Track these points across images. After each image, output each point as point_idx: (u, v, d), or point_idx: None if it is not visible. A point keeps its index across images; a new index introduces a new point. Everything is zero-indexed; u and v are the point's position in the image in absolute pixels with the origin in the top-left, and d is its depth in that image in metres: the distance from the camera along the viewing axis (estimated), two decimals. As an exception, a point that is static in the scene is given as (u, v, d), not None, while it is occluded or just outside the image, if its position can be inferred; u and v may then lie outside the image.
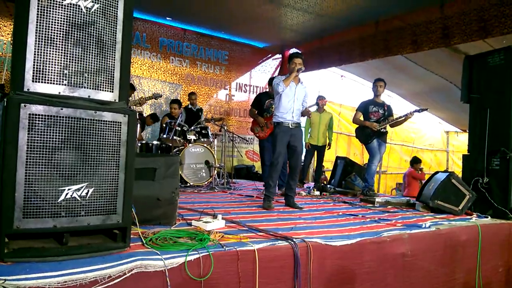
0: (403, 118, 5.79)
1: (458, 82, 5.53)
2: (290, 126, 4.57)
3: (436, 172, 5.05)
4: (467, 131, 5.23)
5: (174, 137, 6.15)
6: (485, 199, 4.51)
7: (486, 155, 4.63)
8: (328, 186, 6.57)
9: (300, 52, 5.06)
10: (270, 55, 10.20)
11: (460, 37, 6.03)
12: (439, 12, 6.27)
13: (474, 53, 5.08)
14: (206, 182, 6.18)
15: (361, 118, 6.00)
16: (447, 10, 6.17)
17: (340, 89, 11.14)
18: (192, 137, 6.33)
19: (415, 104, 11.93)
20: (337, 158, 7.38)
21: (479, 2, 5.75)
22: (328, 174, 8.83)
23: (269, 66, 10.28)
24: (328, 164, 9.37)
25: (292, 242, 2.64)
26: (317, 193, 5.98)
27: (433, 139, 14.06)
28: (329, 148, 7.39)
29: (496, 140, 4.56)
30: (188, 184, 5.98)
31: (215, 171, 6.35)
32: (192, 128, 6.45)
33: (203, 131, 6.60)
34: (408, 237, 3.28)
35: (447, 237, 3.59)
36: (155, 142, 6.47)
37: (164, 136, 6.22)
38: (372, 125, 5.80)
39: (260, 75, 10.18)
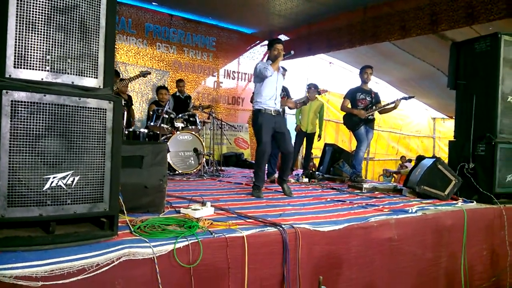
0: (392, 105, 5.82)
1: (445, 69, 5.56)
2: (273, 114, 4.49)
3: (423, 158, 5.10)
4: (454, 117, 5.27)
5: (162, 125, 6.10)
6: (470, 185, 4.58)
7: (472, 141, 4.68)
8: (317, 173, 6.60)
9: (279, 38, 5.02)
10: (258, 41, 10.14)
11: (448, 23, 6.04)
12: (428, -2, 6.28)
13: (461, 39, 5.10)
14: (194, 170, 6.16)
15: (349, 105, 6.03)
16: (435, -4, 6.18)
17: (328, 76, 11.14)
18: (180, 124, 6.28)
19: (402, 91, 12.02)
20: (326, 145, 7.40)
21: (467, -12, 5.76)
22: (316, 161, 8.88)
23: (258, 52, 10.22)
24: (316, 151, 9.41)
25: (281, 228, 2.65)
26: (306, 180, 6.00)
27: (420, 125, 14.21)
28: (319, 140, 7.35)
29: (482, 126, 4.61)
30: (177, 172, 5.95)
31: (204, 159, 6.33)
32: (180, 115, 6.39)
33: (191, 119, 6.55)
34: (394, 222, 3.33)
35: (433, 221, 3.64)
36: (142, 130, 6.41)
37: (152, 123, 6.16)
38: (360, 112, 5.82)
39: (249, 61, 10.12)
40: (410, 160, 12.22)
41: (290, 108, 5.19)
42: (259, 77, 4.53)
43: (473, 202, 4.43)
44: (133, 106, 7.03)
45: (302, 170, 7.56)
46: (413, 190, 4.70)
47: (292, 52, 4.53)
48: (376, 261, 3.15)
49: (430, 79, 9.80)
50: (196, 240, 2.25)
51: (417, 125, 14.10)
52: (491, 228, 4.18)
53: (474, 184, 4.55)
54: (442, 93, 9.91)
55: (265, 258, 2.53)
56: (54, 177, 1.99)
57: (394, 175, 12.06)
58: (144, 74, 6.33)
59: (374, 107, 5.88)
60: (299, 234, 2.68)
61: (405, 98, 5.88)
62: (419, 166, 4.89)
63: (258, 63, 4.65)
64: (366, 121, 5.87)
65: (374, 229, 3.17)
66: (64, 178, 2.02)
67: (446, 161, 4.99)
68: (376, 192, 5.01)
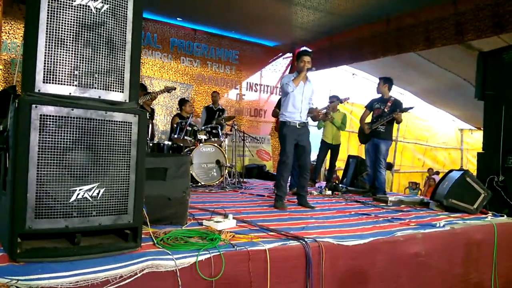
0: (390, 118, 5.68)
1: (471, 79, 5.45)
2: (298, 126, 4.53)
3: (451, 171, 4.98)
4: (482, 128, 5.13)
5: (185, 137, 6.17)
6: (500, 198, 4.43)
7: (501, 153, 4.54)
8: (340, 185, 6.52)
9: (309, 50, 5.03)
10: (280, 53, 10.17)
11: (474, 33, 5.91)
12: (452, 8, 6.17)
13: (488, 49, 5.00)
14: (217, 182, 6.18)
15: (368, 115, 6.04)
16: (461, 6, 6.06)
17: (351, 87, 11.06)
18: (203, 136, 6.34)
19: (428, 102, 11.83)
20: (349, 157, 7.32)
21: (493, -3, 5.64)
22: (340, 173, 8.77)
23: (280, 65, 10.24)
24: (340, 163, 9.30)
25: (304, 242, 2.62)
26: (329, 192, 5.93)
27: (447, 137, 13.88)
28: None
29: (512, 138, 4.48)
30: (199, 184, 5.99)
31: (226, 171, 6.35)
32: (203, 127, 6.46)
33: (214, 131, 6.60)
34: (422, 236, 3.23)
35: (462, 236, 3.53)
36: (166, 142, 6.49)
37: (175, 136, 6.24)
38: (364, 127, 5.89)
39: (271, 74, 10.15)
40: (437, 172, 11.91)
41: (313, 118, 5.13)
42: (283, 92, 4.62)
43: (503, 216, 4.27)
44: (154, 120, 7.17)
45: (325, 182, 7.48)
46: (441, 203, 4.57)
47: (314, 68, 4.55)
48: (403, 277, 3.06)
49: (457, 89, 9.59)
50: (218, 253, 2.25)
51: (443, 136, 13.77)
52: (523, 243, 4.01)
53: (504, 198, 4.40)
54: (469, 104, 9.65)
55: (287, 272, 2.50)
56: (80, 189, 2.03)
57: (421, 187, 11.79)
58: (169, 90, 6.49)
59: (378, 121, 5.77)
60: (323, 248, 2.64)
61: (405, 110, 5.74)
62: (447, 179, 4.77)
63: (284, 77, 4.73)
64: (374, 134, 5.79)
65: (400, 243, 3.09)
66: (90, 190, 2.05)
67: (475, 173, 4.85)
68: (402, 206, 4.89)
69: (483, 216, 4.24)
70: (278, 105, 6.30)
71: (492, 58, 4.85)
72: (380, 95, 6.01)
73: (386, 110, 5.75)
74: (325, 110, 6.55)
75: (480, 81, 4.95)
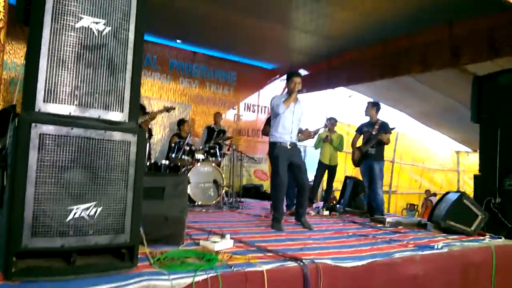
0: (375, 141, 5.84)
1: (466, 102, 5.51)
2: (288, 147, 4.52)
3: (448, 192, 4.98)
4: (478, 151, 5.17)
5: (183, 157, 6.18)
6: (498, 220, 4.43)
7: (498, 175, 4.57)
8: (337, 206, 6.50)
9: (298, 72, 5.12)
10: (278, 75, 10.28)
11: (469, 57, 6.00)
12: (448, 31, 6.27)
13: (482, 73, 5.08)
14: (214, 202, 6.15)
15: (358, 139, 6.24)
16: (456, 30, 6.17)
17: (348, 108, 11.16)
18: (200, 156, 6.36)
19: (424, 124, 11.90)
20: (346, 177, 7.32)
21: (489, 21, 5.71)
22: (337, 194, 8.75)
23: (277, 86, 10.33)
24: (337, 184, 9.30)
25: (302, 263, 2.60)
26: (327, 213, 5.92)
27: (443, 159, 13.94)
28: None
29: (508, 160, 4.51)
30: (196, 203, 5.96)
31: (223, 190, 6.34)
32: (201, 147, 6.48)
33: (212, 151, 6.62)
34: (420, 258, 3.22)
35: (460, 258, 3.52)
36: (164, 162, 6.49)
37: (173, 155, 6.25)
38: (355, 152, 6.10)
39: (269, 95, 10.22)
40: (435, 194, 11.89)
41: (301, 140, 5.20)
42: (273, 112, 4.61)
43: (501, 238, 4.26)
44: (151, 140, 7.21)
45: (322, 203, 7.46)
46: (438, 225, 4.56)
47: (304, 90, 4.66)
48: (401, 299, 3.03)
49: (452, 112, 9.68)
50: (215, 274, 2.23)
51: (440, 158, 13.83)
52: (522, 265, 3.99)
53: (501, 220, 4.40)
54: (464, 127, 9.74)
55: (285, 293, 2.48)
56: (77, 208, 2.02)
57: (418, 209, 11.74)
58: (168, 110, 6.54)
59: (367, 144, 5.94)
60: (321, 269, 2.62)
61: (388, 131, 5.89)
62: (444, 201, 4.77)
63: (273, 98, 4.74)
64: (366, 156, 5.93)
65: (398, 265, 3.08)
66: (87, 209, 2.05)
67: (472, 195, 4.85)
68: (400, 227, 4.87)
69: (481, 238, 4.23)
70: (268, 122, 6.35)
71: (487, 82, 4.93)
72: (368, 119, 6.16)
73: (373, 132, 5.94)
74: (322, 129, 6.63)
75: (475, 104, 5.01)
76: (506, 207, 4.47)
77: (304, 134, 5.29)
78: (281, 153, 4.47)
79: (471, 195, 4.86)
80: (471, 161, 13.58)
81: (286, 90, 4.79)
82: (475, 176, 5.02)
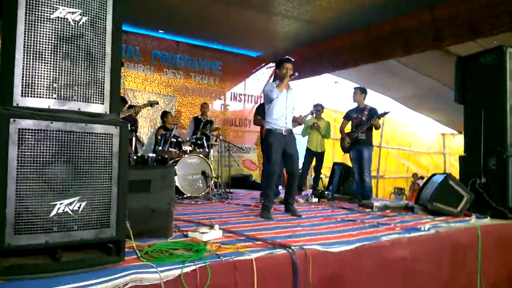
0: (368, 125, 5.89)
1: (451, 84, 5.55)
2: (284, 133, 4.53)
3: (433, 175, 5.04)
4: (463, 132, 5.23)
5: (170, 149, 6.12)
6: (483, 200, 4.49)
7: (482, 155, 4.62)
8: (326, 192, 6.54)
9: (291, 58, 5.07)
10: (263, 64, 10.23)
11: (452, 39, 6.05)
12: (429, 15, 6.29)
13: (465, 54, 5.10)
14: (203, 193, 6.13)
15: (347, 126, 6.29)
16: (437, 13, 6.19)
17: (334, 95, 11.18)
18: (188, 148, 6.31)
19: (410, 108, 12.00)
20: (334, 164, 7.36)
21: (468, 3, 5.77)
22: (325, 181, 8.81)
23: (263, 74, 10.30)
24: (325, 170, 9.35)
25: (290, 250, 2.61)
26: (315, 200, 5.94)
27: (430, 141, 14.09)
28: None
29: (492, 140, 4.56)
30: (185, 196, 5.93)
31: (212, 182, 6.31)
32: (188, 139, 6.43)
33: (199, 142, 6.57)
34: (407, 240, 3.26)
35: (446, 239, 3.57)
36: (151, 155, 6.43)
37: (160, 148, 6.19)
38: (345, 139, 6.12)
39: (255, 83, 10.19)
40: (422, 177, 12.03)
41: (296, 122, 5.27)
42: (267, 99, 4.59)
43: (486, 217, 4.34)
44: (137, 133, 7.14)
45: (311, 190, 7.50)
46: (425, 207, 4.61)
47: (296, 73, 4.62)
48: (389, 281, 3.07)
49: (437, 94, 9.77)
50: (204, 264, 2.22)
51: (426, 142, 13.98)
52: (507, 243, 4.07)
53: (487, 200, 4.47)
54: (450, 108, 9.84)
55: (275, 281, 2.49)
56: (61, 204, 1.99)
57: (406, 192, 11.89)
58: (151, 104, 6.48)
59: (357, 129, 5.99)
60: (309, 255, 2.63)
61: (382, 115, 5.97)
62: (430, 183, 4.83)
63: (265, 85, 4.74)
64: (356, 142, 5.98)
65: (386, 248, 3.11)
66: (70, 204, 2.02)
67: (457, 177, 4.92)
68: (387, 211, 4.92)
69: (467, 218, 4.30)
70: (258, 112, 6.34)
71: (470, 63, 4.95)
72: (356, 104, 6.19)
73: (364, 118, 5.98)
74: (310, 116, 6.65)
75: (459, 85, 5.05)
76: (491, 187, 4.53)
77: (297, 120, 5.33)
78: (275, 140, 4.48)
79: (457, 176, 4.92)
80: (457, 143, 13.76)
81: (274, 77, 4.80)
82: (460, 157, 5.07)
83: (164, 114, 7.40)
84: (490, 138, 4.59)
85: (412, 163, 13.58)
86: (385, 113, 6.04)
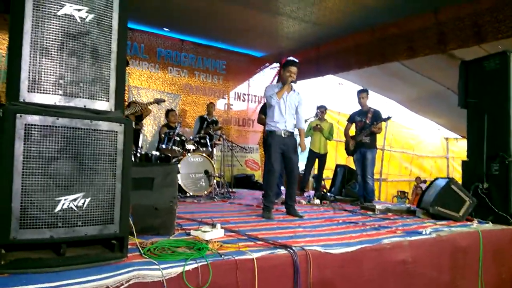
0: (370, 130, 5.91)
1: (455, 88, 5.54)
2: (283, 135, 4.56)
3: (436, 179, 5.04)
4: (466, 137, 5.22)
5: (173, 147, 6.14)
6: (485, 205, 4.49)
7: (485, 160, 4.62)
8: (328, 194, 6.54)
9: (296, 60, 5.05)
10: (267, 64, 10.23)
11: (456, 42, 6.03)
12: (434, 18, 6.29)
13: (470, 58, 5.09)
14: (205, 192, 6.15)
15: (351, 128, 6.30)
16: (442, 16, 6.18)
17: (338, 96, 11.17)
18: (191, 146, 6.33)
19: (413, 111, 11.96)
20: (337, 166, 7.37)
21: (473, 7, 5.75)
22: (328, 182, 8.81)
23: (267, 74, 10.30)
24: (328, 172, 9.35)
25: (291, 250, 2.62)
26: (317, 201, 5.95)
27: (433, 145, 14.05)
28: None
29: (495, 145, 4.56)
30: (188, 194, 5.95)
31: (215, 181, 6.33)
32: (191, 137, 6.45)
33: (202, 141, 6.59)
34: (408, 244, 3.26)
35: (448, 243, 3.56)
36: (154, 153, 6.46)
37: (163, 146, 6.21)
38: (350, 142, 6.15)
39: (259, 83, 10.19)
40: (425, 181, 12.00)
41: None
42: (268, 103, 4.67)
43: (488, 223, 4.33)
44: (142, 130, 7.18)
45: (313, 191, 7.51)
46: (427, 211, 4.62)
47: (296, 81, 4.64)
48: (389, 284, 3.07)
49: (440, 98, 9.74)
50: (206, 263, 2.24)
51: (429, 145, 13.94)
52: (509, 249, 4.07)
53: (489, 205, 4.46)
54: (453, 113, 9.82)
55: (275, 281, 2.50)
56: (65, 199, 2.01)
57: (408, 196, 11.87)
58: (158, 102, 6.49)
59: (362, 132, 6.00)
60: (310, 256, 2.64)
61: (383, 120, 5.98)
62: (433, 187, 4.83)
63: (266, 88, 4.79)
64: (360, 145, 6.00)
65: (387, 251, 3.11)
66: (75, 200, 2.03)
67: (460, 181, 4.91)
68: (389, 214, 4.93)
69: (469, 223, 4.30)
70: (262, 110, 6.36)
71: (473, 67, 4.95)
72: (359, 107, 6.23)
73: (367, 121, 6.00)
74: (313, 118, 6.67)
75: (462, 90, 5.04)
76: (493, 192, 4.53)
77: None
78: (274, 142, 4.52)
79: (460, 181, 4.91)
80: (460, 147, 13.71)
81: (277, 78, 4.81)
82: (463, 162, 5.07)
83: (168, 112, 7.45)
84: (493, 143, 4.58)
85: (415, 166, 13.55)
86: (387, 118, 6.04)
